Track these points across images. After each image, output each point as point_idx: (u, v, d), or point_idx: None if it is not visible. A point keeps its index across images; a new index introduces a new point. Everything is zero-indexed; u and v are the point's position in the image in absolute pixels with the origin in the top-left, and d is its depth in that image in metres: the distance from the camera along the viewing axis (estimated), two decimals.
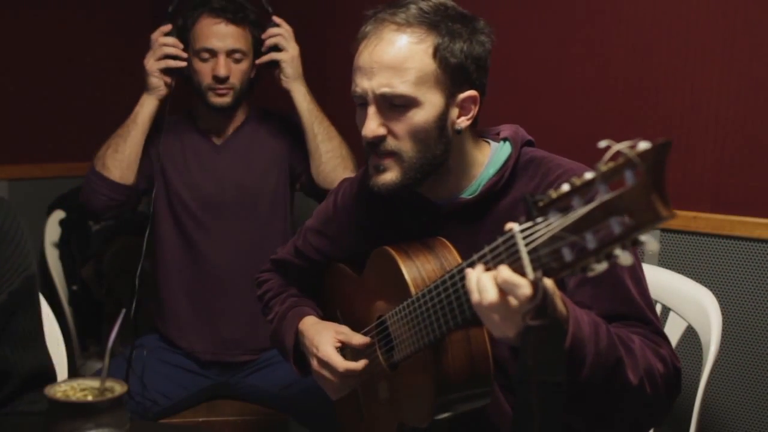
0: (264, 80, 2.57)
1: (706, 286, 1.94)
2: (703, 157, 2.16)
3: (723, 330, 1.82)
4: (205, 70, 2.42)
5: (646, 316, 1.46)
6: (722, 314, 1.84)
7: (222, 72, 2.39)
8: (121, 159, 2.43)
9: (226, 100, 2.44)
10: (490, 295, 1.17)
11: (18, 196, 3.04)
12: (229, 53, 2.41)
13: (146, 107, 2.46)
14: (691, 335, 1.94)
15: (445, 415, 1.52)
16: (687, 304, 1.94)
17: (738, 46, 2.10)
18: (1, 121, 3.02)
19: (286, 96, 2.49)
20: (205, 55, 2.42)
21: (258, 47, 2.48)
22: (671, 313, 1.98)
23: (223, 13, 2.41)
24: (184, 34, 2.45)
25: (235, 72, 2.43)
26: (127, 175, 2.45)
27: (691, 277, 2.00)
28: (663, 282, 1.97)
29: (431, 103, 1.50)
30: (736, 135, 2.13)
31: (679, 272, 2.06)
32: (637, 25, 2.26)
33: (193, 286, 2.53)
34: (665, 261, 2.23)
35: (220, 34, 2.41)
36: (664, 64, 2.22)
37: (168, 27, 2.44)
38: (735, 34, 2.10)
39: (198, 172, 2.52)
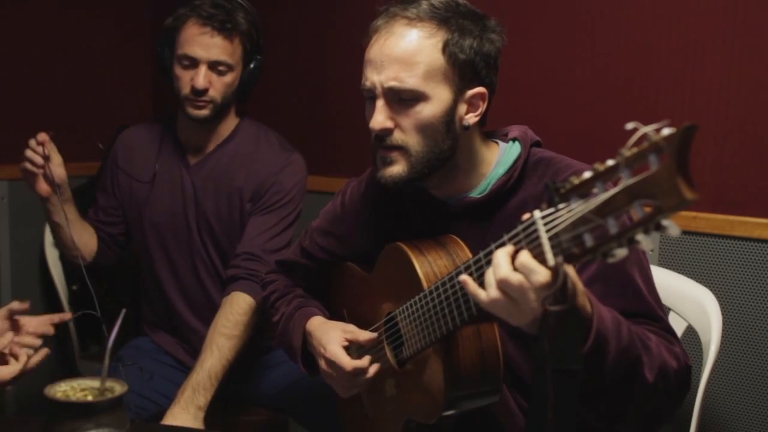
0: (258, 87, 2.42)
1: (706, 286, 1.95)
2: (703, 157, 2.17)
3: (723, 330, 1.83)
4: (185, 79, 2.25)
5: (656, 314, 1.47)
6: (722, 314, 1.85)
7: (200, 84, 2.22)
8: (72, 247, 2.33)
9: (203, 113, 2.28)
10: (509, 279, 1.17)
11: (18, 196, 3.02)
12: (212, 65, 2.23)
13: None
14: (691, 335, 1.95)
15: (454, 411, 1.52)
16: (687, 304, 1.94)
17: (738, 46, 2.12)
18: (1, 121, 3.01)
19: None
20: (186, 62, 2.24)
21: (249, 58, 2.33)
22: (671, 313, 1.98)
23: (210, 21, 2.21)
24: (170, 34, 2.29)
25: (217, 85, 2.25)
26: (89, 252, 2.41)
27: (691, 277, 2.01)
28: (663, 282, 1.95)
29: (439, 98, 1.51)
30: (736, 135, 2.14)
31: (679, 272, 2.07)
32: (637, 25, 2.28)
33: (169, 302, 2.46)
34: (665, 261, 2.24)
35: (204, 44, 2.21)
36: (664, 64, 2.24)
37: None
38: (735, 34, 2.12)
39: (165, 189, 2.41)
